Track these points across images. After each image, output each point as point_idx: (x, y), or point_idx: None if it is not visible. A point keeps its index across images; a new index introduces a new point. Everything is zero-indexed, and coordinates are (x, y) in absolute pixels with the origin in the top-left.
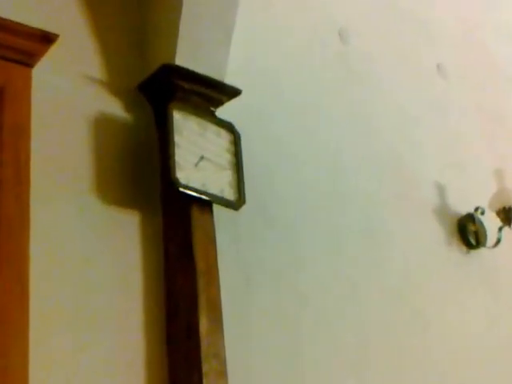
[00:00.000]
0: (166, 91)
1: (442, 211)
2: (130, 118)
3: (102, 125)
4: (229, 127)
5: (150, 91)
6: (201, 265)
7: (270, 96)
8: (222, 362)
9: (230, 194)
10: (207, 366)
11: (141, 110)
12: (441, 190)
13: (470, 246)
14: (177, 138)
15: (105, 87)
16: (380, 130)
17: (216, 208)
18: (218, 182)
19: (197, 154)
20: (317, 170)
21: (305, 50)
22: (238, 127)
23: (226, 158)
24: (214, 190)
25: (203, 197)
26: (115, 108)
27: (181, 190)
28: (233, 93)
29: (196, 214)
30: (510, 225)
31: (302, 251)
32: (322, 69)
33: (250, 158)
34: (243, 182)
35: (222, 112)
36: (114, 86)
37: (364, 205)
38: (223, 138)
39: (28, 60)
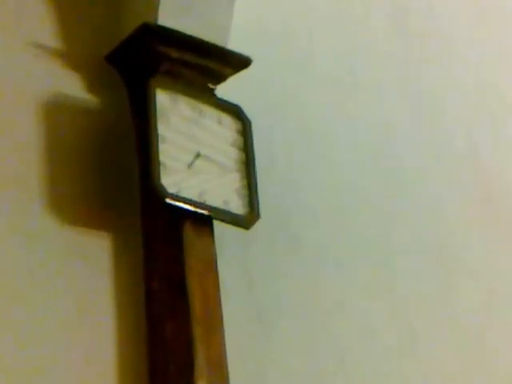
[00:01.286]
0: (145, 62)
1: None
2: (96, 100)
3: (58, 110)
4: (235, 112)
5: (124, 63)
6: (198, 308)
7: (294, 67)
8: None
9: (237, 207)
10: None
11: (111, 89)
12: None
13: None
14: (161, 128)
15: (61, 59)
16: (451, 114)
17: (219, 226)
18: (222, 190)
19: (190, 151)
20: (360, 170)
21: (342, 3)
22: (249, 111)
23: (232, 154)
24: (216, 200)
25: (200, 211)
26: (75, 87)
27: (168, 201)
28: (240, 63)
29: (190, 235)
30: None
31: (341, 286)
32: (366, 29)
33: (266, 155)
34: (256, 189)
35: (226, 91)
36: (73, 56)
37: (429, 218)
38: (227, 128)
39: None
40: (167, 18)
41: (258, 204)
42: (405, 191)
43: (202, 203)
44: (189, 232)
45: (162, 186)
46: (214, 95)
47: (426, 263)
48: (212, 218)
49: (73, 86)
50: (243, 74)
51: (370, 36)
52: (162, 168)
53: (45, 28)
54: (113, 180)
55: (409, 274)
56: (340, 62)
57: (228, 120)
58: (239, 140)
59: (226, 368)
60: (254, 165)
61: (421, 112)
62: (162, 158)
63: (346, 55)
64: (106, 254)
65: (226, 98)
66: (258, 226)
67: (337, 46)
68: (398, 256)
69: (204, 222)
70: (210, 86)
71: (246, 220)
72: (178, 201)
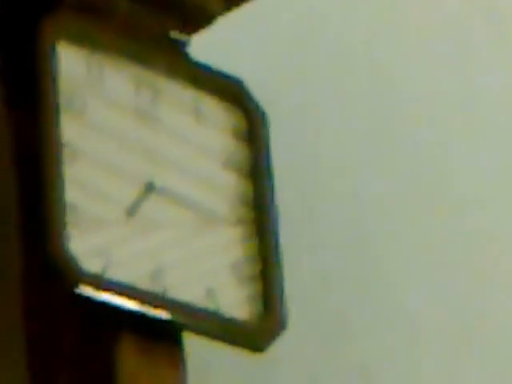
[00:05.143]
0: None
1: None
2: None
3: None
4: (233, 93)
5: None
6: None
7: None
8: None
9: (236, 302)
10: None
11: None
12: None
13: None
14: (69, 130)
15: None
16: None
17: (197, 346)
18: (202, 265)
19: (133, 179)
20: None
21: None
22: (263, 94)
23: (225, 187)
24: (190, 288)
25: (154, 313)
26: None
27: (83, 292)
28: None
29: (132, 365)
30: None
31: None
32: None
33: (302, 185)
34: (279, 265)
35: (212, 48)
36: None
37: None
38: (215, 127)
39: None
40: None
41: (284, 297)
42: None
43: (157, 295)
44: (129, 358)
45: (69, 258)
46: (187, 57)
47: None
48: (180, 329)
49: None
50: (250, 12)
51: None
52: (70, 218)
53: None
54: None
55: None
56: None
57: (216, 110)
58: (241, 153)
59: None
60: (272, 208)
61: None
62: (70, 195)
63: None
64: None
65: (212, 62)
66: (283, 345)
67: None
68: None
69: (162, 335)
70: (176, 36)
71: (256, 332)
72: (105, 290)
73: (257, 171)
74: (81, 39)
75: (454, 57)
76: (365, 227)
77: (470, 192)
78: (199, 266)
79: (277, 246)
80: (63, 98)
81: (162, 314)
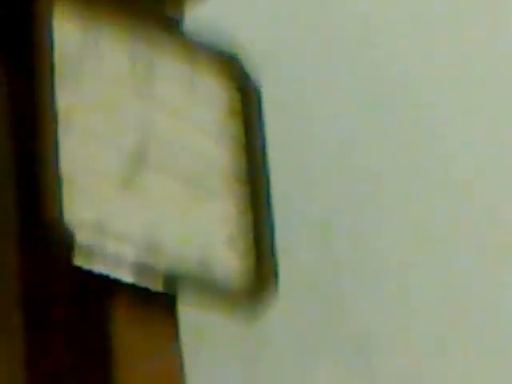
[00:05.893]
0: None
1: None
2: None
3: None
4: (227, 66)
5: None
6: None
7: None
8: None
9: (230, 272)
10: None
11: None
12: None
13: None
14: (65, 98)
15: None
16: None
17: (191, 314)
18: (195, 236)
19: (126, 152)
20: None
21: None
22: (257, 67)
23: (218, 160)
24: (184, 262)
25: (148, 282)
26: None
27: (76, 264)
28: None
29: (128, 334)
30: None
31: None
32: None
33: (298, 160)
34: (272, 235)
35: (208, 21)
36: None
37: None
38: (209, 101)
39: None
40: None
41: (277, 268)
42: None
43: (152, 267)
44: (125, 329)
45: (64, 229)
46: (182, 32)
47: None
48: (174, 297)
49: None
50: None
51: None
52: (65, 189)
53: None
54: None
55: None
56: None
57: (210, 85)
58: (234, 128)
59: None
60: (266, 182)
61: None
62: (66, 166)
63: None
64: None
65: (207, 38)
66: (279, 315)
67: None
68: None
69: (157, 306)
70: (171, 11)
71: (250, 301)
72: (101, 262)
73: (250, 146)
74: (77, 13)
75: (452, 34)
76: (362, 201)
77: (468, 156)
78: (194, 238)
79: (270, 219)
80: (59, 71)
81: (157, 286)
